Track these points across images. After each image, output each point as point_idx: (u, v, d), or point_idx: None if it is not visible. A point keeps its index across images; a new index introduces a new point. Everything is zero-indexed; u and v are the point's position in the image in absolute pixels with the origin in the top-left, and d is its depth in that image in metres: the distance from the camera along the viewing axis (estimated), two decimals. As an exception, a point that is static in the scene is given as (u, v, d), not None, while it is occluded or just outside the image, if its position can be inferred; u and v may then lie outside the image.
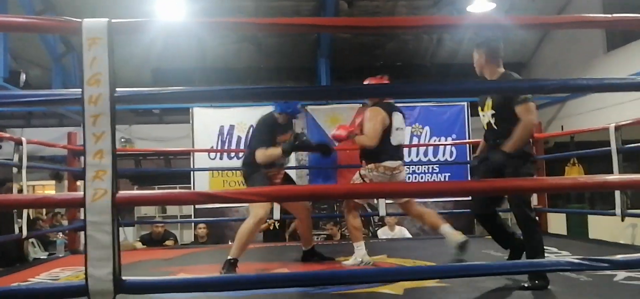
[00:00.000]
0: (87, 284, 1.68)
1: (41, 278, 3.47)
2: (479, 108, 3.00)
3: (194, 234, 7.25)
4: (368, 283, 2.66)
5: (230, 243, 5.36)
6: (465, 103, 7.17)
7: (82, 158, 2.09)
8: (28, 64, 9.87)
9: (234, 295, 2.51)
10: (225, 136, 7.10)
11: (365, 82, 3.57)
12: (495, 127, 2.86)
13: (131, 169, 10.13)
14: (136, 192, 6.94)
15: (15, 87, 8.17)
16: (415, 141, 7.11)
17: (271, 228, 6.58)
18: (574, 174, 7.30)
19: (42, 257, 5.36)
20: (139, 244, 6.62)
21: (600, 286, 2.68)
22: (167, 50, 9.67)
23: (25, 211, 4.03)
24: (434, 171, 7.16)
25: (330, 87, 7.47)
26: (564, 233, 6.15)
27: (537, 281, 2.61)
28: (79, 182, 4.76)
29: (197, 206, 7.11)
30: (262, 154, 3.49)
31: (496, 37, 2.95)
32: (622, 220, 4.15)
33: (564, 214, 7.01)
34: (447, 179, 7.06)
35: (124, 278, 1.73)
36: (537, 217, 2.97)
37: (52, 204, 5.07)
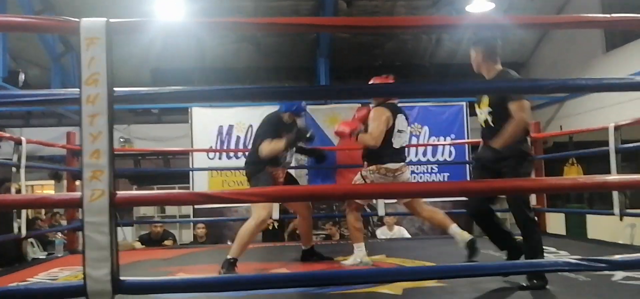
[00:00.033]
0: (85, 284, 1.68)
1: (40, 278, 3.47)
2: (476, 105, 2.98)
3: (193, 234, 7.25)
4: (367, 283, 2.66)
5: (229, 242, 5.37)
6: (464, 103, 7.16)
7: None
8: (27, 63, 9.88)
9: (233, 295, 2.51)
10: (224, 135, 7.09)
11: (371, 82, 3.55)
12: (492, 125, 2.84)
13: (130, 169, 10.11)
14: (134, 192, 6.95)
15: (14, 87, 8.18)
16: (414, 140, 7.09)
17: (270, 227, 6.59)
18: (573, 174, 7.32)
19: (40, 257, 5.34)
20: (138, 244, 6.62)
21: (599, 286, 2.68)
22: (166, 50, 9.66)
23: (24, 211, 4.03)
24: (433, 170, 7.15)
25: (330, 87, 7.48)
26: (563, 232, 6.14)
27: (535, 281, 2.61)
28: (78, 182, 4.74)
29: (196, 206, 7.10)
30: (266, 146, 3.51)
31: (493, 35, 2.94)
32: (621, 220, 4.16)
33: (563, 214, 7.00)
34: (446, 179, 7.05)
35: (122, 278, 1.72)
36: (536, 218, 2.97)
37: (50, 204, 5.05)
